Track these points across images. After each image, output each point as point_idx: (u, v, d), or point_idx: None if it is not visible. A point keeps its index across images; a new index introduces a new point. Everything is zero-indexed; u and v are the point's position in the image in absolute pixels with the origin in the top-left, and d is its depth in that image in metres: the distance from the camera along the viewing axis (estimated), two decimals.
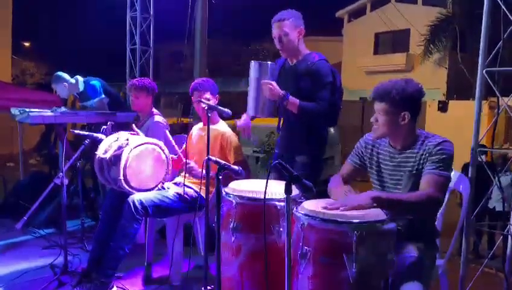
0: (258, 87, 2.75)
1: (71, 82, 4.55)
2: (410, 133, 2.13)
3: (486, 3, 2.61)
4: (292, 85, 2.84)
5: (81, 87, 4.56)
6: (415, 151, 2.12)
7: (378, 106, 2.11)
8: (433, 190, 1.99)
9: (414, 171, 2.11)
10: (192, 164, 3.02)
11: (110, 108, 4.53)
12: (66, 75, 4.55)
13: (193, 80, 3.38)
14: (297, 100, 2.74)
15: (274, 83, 2.70)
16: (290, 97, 2.71)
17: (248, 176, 2.78)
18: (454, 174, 2.38)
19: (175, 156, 3.20)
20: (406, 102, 2.07)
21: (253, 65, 2.82)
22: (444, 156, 2.04)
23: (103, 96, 4.51)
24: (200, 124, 3.31)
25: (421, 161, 2.09)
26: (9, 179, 5.62)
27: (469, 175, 2.65)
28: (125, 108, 4.67)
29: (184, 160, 2.98)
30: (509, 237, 2.62)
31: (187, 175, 2.97)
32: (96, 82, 4.55)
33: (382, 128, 2.13)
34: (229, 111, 2.63)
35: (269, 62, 2.83)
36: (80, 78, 4.60)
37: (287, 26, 2.80)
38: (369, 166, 2.31)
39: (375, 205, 1.93)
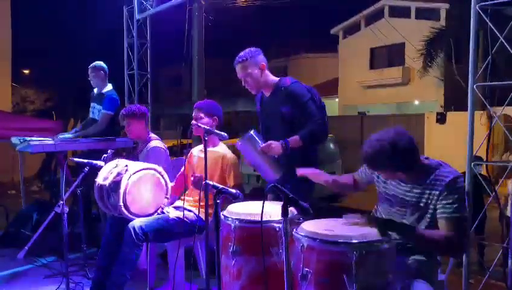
0: (260, 156, 2.73)
1: (106, 81, 4.63)
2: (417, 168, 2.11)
3: (473, 22, 2.65)
4: (275, 115, 2.90)
5: (106, 89, 4.61)
6: (426, 181, 2.10)
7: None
8: (456, 235, 1.98)
9: (421, 205, 2.10)
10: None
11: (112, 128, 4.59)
12: (106, 69, 4.64)
13: (192, 101, 3.40)
14: (296, 136, 2.76)
15: (270, 142, 2.72)
16: (289, 140, 2.74)
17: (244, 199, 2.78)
18: None
19: (172, 183, 3.22)
20: (396, 166, 2.07)
21: (242, 142, 2.77)
22: (458, 195, 2.03)
23: (112, 113, 4.55)
24: (201, 146, 3.32)
25: (431, 196, 2.07)
26: (11, 207, 5.62)
27: (466, 189, 2.65)
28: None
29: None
30: (509, 249, 2.62)
31: (186, 198, 2.98)
32: (117, 100, 4.62)
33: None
34: (226, 135, 2.66)
35: (251, 131, 2.79)
36: (111, 86, 4.69)
37: (248, 67, 2.88)
38: (377, 184, 2.34)
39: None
